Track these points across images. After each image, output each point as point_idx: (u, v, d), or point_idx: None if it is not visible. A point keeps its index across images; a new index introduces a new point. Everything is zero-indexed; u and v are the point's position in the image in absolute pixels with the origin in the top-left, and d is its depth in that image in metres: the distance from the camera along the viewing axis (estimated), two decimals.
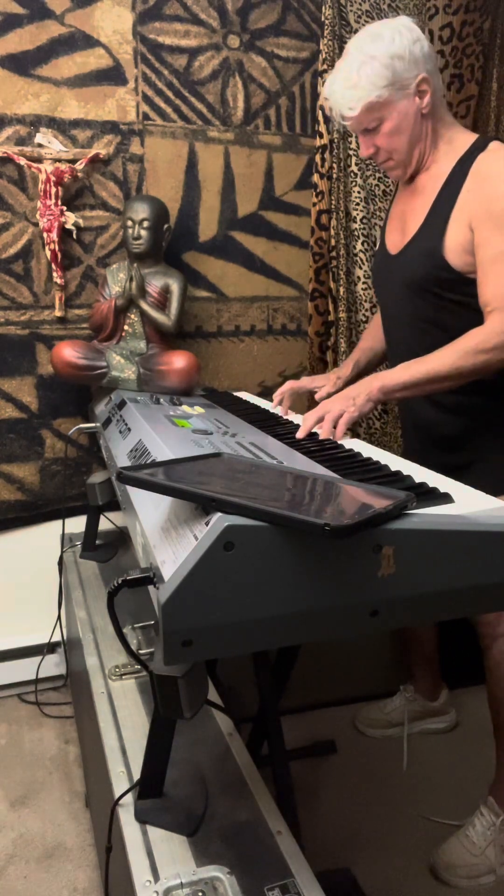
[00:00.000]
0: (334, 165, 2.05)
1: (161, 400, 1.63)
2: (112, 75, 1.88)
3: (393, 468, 1.01)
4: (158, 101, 1.93)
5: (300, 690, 1.85)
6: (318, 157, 2.06)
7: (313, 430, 1.26)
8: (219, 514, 0.66)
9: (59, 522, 1.97)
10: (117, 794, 1.02)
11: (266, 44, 2.00)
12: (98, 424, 1.65)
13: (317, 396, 1.55)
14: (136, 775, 1.06)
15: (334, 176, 2.05)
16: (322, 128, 2.04)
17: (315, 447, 1.16)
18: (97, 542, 1.90)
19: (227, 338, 2.13)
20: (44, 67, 1.82)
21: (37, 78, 1.82)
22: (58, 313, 1.94)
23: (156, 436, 1.13)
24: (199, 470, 0.81)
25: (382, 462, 1.05)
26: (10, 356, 1.93)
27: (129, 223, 1.81)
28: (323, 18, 1.99)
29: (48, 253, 1.88)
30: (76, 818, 1.63)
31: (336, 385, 1.58)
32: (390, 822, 1.61)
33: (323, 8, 1.99)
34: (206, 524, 0.67)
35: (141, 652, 1.41)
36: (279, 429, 1.32)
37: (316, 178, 2.07)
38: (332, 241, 2.09)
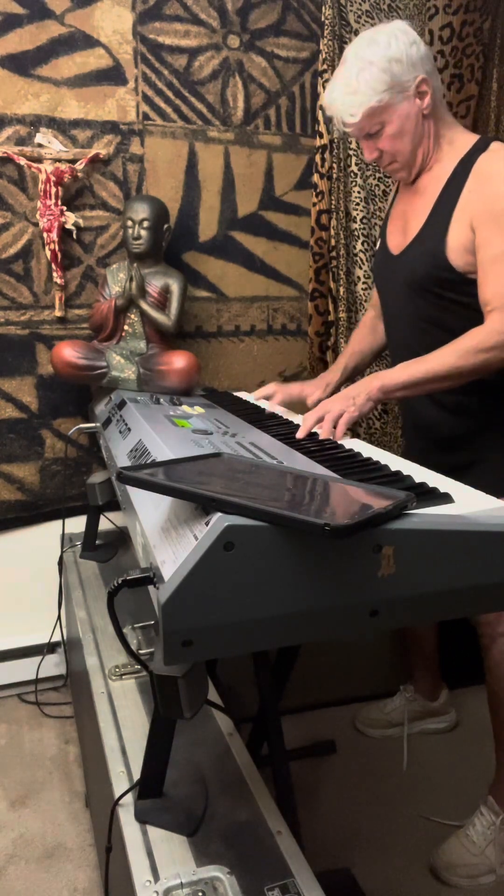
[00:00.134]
0: (334, 165, 2.05)
1: (161, 400, 1.63)
2: (112, 75, 1.88)
3: (393, 468, 1.01)
4: (158, 101, 1.93)
5: (300, 690, 1.85)
6: (318, 157, 2.06)
7: (313, 430, 1.27)
8: (219, 514, 0.66)
9: (59, 522, 1.97)
10: (117, 794, 1.02)
11: (266, 44, 2.00)
12: (98, 424, 1.65)
13: (308, 403, 1.54)
14: (136, 775, 1.06)
15: (334, 176, 2.05)
16: (322, 128, 2.04)
17: (315, 447, 1.16)
18: (97, 542, 1.90)
19: (227, 338, 2.13)
20: (44, 67, 1.82)
21: (37, 78, 1.82)
22: (58, 313, 1.94)
23: (156, 436, 1.13)
24: (199, 470, 0.81)
25: (382, 462, 1.05)
26: (10, 356, 1.93)
27: (129, 223, 1.81)
28: (323, 18, 1.99)
29: (48, 253, 1.88)
30: (76, 818, 1.63)
31: (326, 391, 1.56)
32: (390, 822, 1.61)
33: (323, 8, 1.99)
34: (206, 524, 0.67)
35: (141, 652, 1.41)
36: (279, 429, 1.32)
37: (316, 178, 2.07)
38: (332, 241, 2.09)
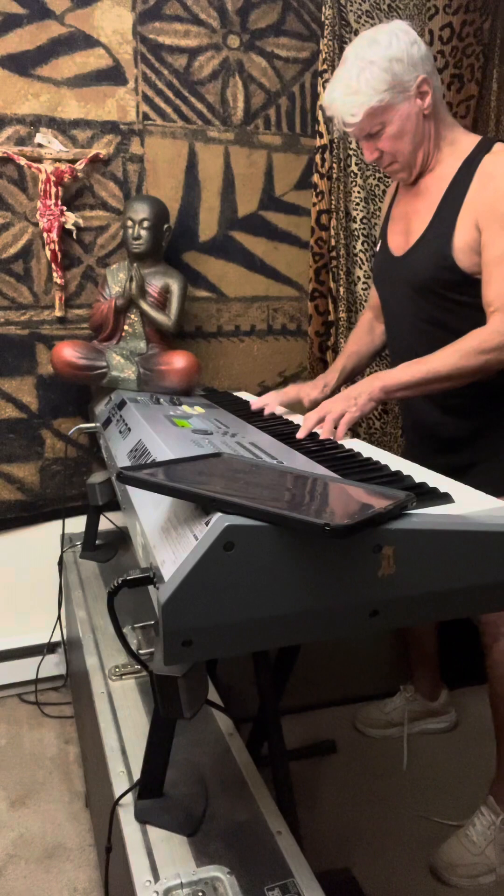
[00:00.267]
0: (334, 165, 2.05)
1: (161, 400, 1.62)
2: (112, 75, 1.88)
3: (393, 468, 1.01)
4: (158, 101, 1.93)
5: (300, 690, 1.84)
6: (318, 157, 2.06)
7: (314, 430, 1.26)
8: (219, 514, 0.66)
9: (59, 522, 1.97)
10: (117, 794, 1.02)
11: (266, 44, 2.00)
12: (98, 424, 1.64)
13: (306, 403, 1.53)
14: (136, 775, 1.06)
15: (334, 176, 2.05)
16: (322, 128, 2.04)
17: (315, 447, 1.16)
18: (97, 542, 1.90)
19: (227, 338, 2.13)
20: (44, 67, 1.82)
21: (37, 78, 1.82)
22: (58, 313, 1.94)
23: (156, 436, 1.13)
24: (199, 470, 0.81)
25: (382, 462, 1.05)
26: (10, 356, 1.93)
27: (129, 223, 1.81)
28: (323, 18, 1.99)
29: (48, 253, 1.88)
30: (76, 818, 1.63)
31: (324, 393, 1.56)
32: (390, 822, 1.61)
33: (323, 8, 1.99)
34: (206, 524, 0.67)
35: (141, 652, 1.41)
36: (279, 429, 1.32)
37: (316, 178, 2.07)
38: (332, 241, 2.09)
